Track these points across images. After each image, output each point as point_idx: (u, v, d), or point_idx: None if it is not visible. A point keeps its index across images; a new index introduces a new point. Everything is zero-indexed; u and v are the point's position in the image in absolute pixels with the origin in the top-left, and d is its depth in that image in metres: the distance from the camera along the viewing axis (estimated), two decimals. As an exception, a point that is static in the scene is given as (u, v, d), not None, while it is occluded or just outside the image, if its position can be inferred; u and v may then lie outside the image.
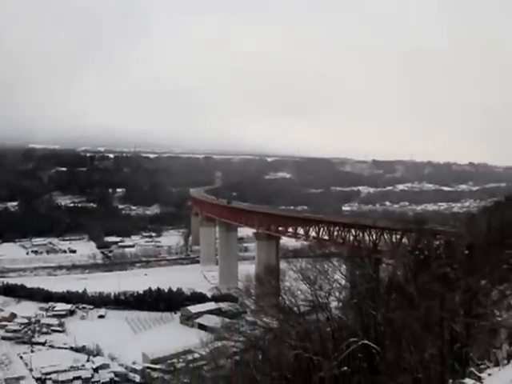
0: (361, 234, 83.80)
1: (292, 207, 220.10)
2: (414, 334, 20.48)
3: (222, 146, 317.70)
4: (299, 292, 25.37)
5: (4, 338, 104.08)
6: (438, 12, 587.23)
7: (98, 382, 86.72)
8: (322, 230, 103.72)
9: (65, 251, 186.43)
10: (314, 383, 21.98)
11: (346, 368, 21.06)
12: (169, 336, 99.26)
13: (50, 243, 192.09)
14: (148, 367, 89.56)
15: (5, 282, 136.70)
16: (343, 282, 25.31)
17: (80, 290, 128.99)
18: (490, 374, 18.82)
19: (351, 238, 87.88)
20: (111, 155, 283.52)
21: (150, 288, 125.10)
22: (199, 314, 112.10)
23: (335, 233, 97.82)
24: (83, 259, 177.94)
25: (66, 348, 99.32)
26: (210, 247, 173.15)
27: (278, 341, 25.56)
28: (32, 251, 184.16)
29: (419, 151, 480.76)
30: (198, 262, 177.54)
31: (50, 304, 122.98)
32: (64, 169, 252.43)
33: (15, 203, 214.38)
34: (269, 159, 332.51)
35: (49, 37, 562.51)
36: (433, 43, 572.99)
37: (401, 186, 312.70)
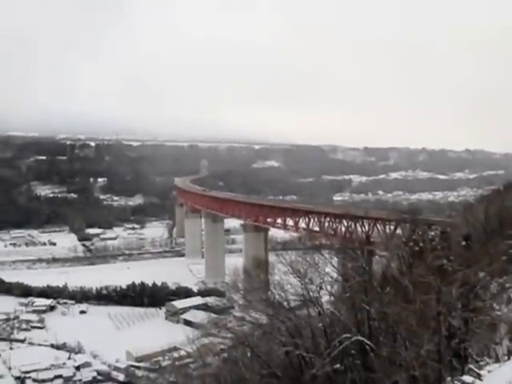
0: (353, 225, 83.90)
1: (281, 197, 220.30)
2: (409, 329, 19.75)
3: (207, 134, 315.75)
4: (289, 286, 24.50)
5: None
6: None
7: (79, 380, 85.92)
8: (312, 220, 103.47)
9: (44, 244, 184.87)
10: (305, 381, 21.25)
11: (338, 365, 20.32)
12: (153, 332, 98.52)
13: (29, 235, 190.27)
14: (132, 365, 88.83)
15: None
16: (335, 275, 24.46)
17: (60, 285, 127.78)
18: (489, 371, 18.18)
19: (343, 229, 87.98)
20: (92, 143, 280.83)
21: (133, 282, 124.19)
22: (185, 310, 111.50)
23: (326, 224, 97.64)
24: (64, 252, 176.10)
25: (46, 345, 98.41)
26: (195, 239, 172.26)
27: (267, 337, 24.78)
28: (10, 244, 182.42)
29: (413, 138, 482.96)
30: (183, 254, 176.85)
31: (30, 299, 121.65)
32: (43, 157, 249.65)
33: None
34: (256, 147, 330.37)
35: (28, 22, 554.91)
36: (426, 28, 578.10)
37: (394, 175, 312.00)
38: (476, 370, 18.31)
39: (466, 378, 17.88)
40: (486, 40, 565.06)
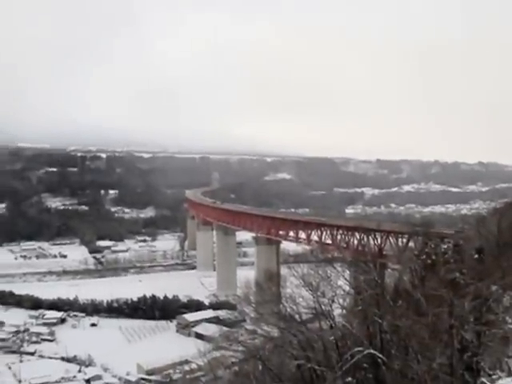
0: (365, 238, 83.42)
1: (293, 210, 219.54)
2: (421, 342, 19.67)
3: (219, 146, 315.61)
4: (301, 299, 24.52)
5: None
6: (442, 5, 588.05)
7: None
8: (324, 233, 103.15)
9: (55, 256, 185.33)
10: (317, 395, 21.16)
11: (350, 379, 20.27)
12: (164, 345, 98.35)
13: (40, 248, 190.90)
14: (143, 378, 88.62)
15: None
16: (347, 288, 24.49)
17: (71, 297, 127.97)
18: (502, 385, 18.16)
19: (355, 242, 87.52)
20: (103, 155, 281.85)
21: (144, 295, 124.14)
22: (196, 323, 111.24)
23: (338, 237, 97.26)
24: (74, 264, 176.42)
25: (56, 358, 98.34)
26: (207, 252, 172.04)
27: (279, 350, 24.72)
28: (21, 256, 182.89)
29: (426, 150, 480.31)
30: (194, 267, 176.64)
31: (40, 311, 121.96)
32: (54, 169, 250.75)
33: (3, 205, 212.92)
34: (268, 159, 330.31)
35: (38, 35, 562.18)
36: (440, 37, 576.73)
37: (407, 187, 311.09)
38: (488, 383, 18.26)
39: (479, 391, 17.84)
40: (501, 51, 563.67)
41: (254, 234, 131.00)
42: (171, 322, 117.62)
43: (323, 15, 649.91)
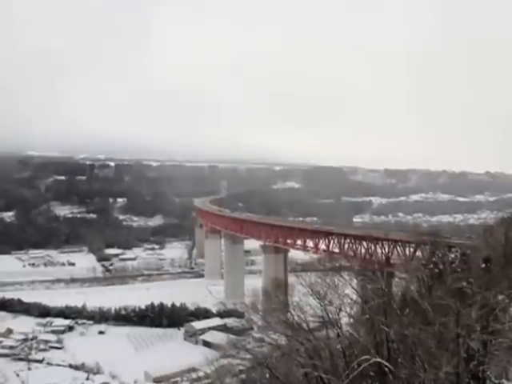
0: (373, 247, 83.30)
1: (301, 218, 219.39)
2: (428, 351, 19.76)
3: (227, 155, 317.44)
4: (308, 307, 24.66)
5: (0, 355, 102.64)
6: (449, 13, 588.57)
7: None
8: (332, 242, 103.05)
9: (63, 264, 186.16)
10: (324, 403, 21.23)
11: (357, 387, 20.28)
12: (172, 353, 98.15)
13: (48, 255, 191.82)
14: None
15: (0, 296, 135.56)
16: (354, 296, 24.62)
17: (79, 305, 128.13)
18: (508, 394, 18.18)
19: (363, 250, 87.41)
20: (112, 163, 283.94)
21: (152, 303, 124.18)
22: (204, 331, 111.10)
23: (346, 245, 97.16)
24: (82, 272, 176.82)
25: (64, 365, 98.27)
26: (215, 260, 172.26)
27: (286, 358, 24.82)
28: (29, 264, 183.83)
29: (433, 160, 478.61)
30: (202, 275, 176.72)
31: (48, 319, 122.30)
32: (62, 177, 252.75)
33: (11, 213, 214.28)
34: (276, 168, 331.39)
35: (47, 42, 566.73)
36: (448, 48, 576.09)
37: (414, 197, 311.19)
38: (495, 392, 18.29)
39: (485, 400, 17.87)
40: (509, 61, 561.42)
41: (261, 243, 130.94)
42: (179, 329, 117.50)
43: (332, 27, 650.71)
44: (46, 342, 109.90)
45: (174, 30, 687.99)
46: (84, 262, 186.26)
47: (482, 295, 20.08)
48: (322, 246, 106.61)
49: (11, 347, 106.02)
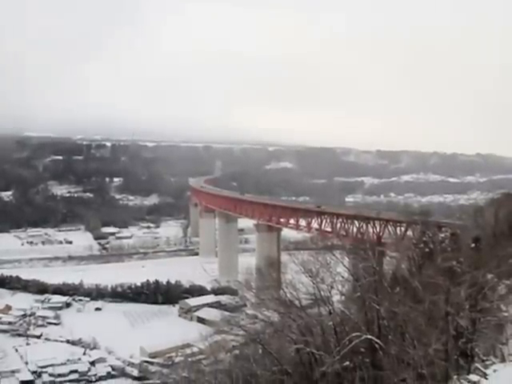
0: (364, 226, 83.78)
1: (294, 198, 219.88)
2: (418, 328, 20.08)
3: (222, 135, 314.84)
4: (301, 285, 24.94)
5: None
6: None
7: (94, 375, 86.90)
8: (324, 221, 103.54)
9: (61, 242, 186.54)
10: (315, 378, 21.62)
11: (348, 363, 20.69)
12: (167, 329, 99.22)
13: (46, 234, 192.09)
14: (146, 361, 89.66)
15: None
16: (346, 275, 24.90)
17: (76, 282, 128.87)
18: (495, 370, 18.56)
19: (354, 230, 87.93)
20: (108, 143, 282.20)
21: (147, 280, 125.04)
22: (198, 307, 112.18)
23: (338, 225, 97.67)
24: (79, 250, 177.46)
25: (62, 341, 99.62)
26: (209, 239, 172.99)
27: (278, 335, 25.21)
28: (27, 242, 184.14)
29: (425, 141, 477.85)
30: (197, 253, 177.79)
31: (46, 296, 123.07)
32: (60, 157, 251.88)
33: (10, 193, 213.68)
34: (270, 148, 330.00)
35: (45, 24, 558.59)
36: (441, 30, 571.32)
37: (406, 177, 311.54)
38: (482, 368, 18.70)
39: (472, 376, 18.28)
40: (500, 42, 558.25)
41: (255, 222, 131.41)
42: (174, 306, 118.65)
43: (326, 15, 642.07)
44: (44, 318, 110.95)
45: (171, 14, 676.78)
46: (81, 240, 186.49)
47: (472, 274, 20.40)
48: (315, 225, 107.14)
49: (10, 323, 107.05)
